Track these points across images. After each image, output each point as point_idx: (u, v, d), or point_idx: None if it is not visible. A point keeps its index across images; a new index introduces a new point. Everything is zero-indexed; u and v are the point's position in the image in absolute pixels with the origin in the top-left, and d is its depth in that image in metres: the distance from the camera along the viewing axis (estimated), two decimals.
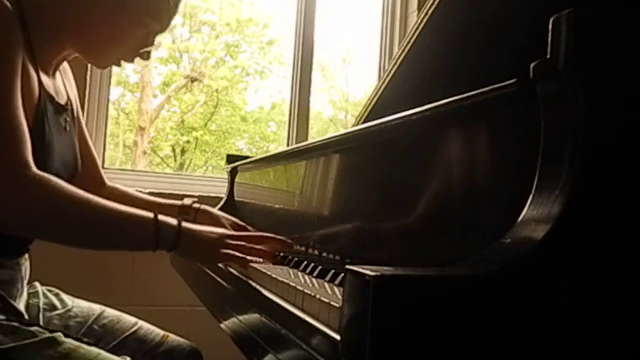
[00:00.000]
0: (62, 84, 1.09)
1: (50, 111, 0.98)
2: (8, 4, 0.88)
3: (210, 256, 0.95)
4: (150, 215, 0.89)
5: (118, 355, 0.93)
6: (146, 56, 1.07)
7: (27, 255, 1.03)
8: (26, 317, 0.98)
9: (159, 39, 1.08)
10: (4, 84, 0.85)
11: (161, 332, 1.18)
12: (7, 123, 0.83)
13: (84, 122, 1.23)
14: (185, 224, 0.92)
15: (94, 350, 0.89)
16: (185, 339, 1.21)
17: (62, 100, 1.06)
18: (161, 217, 0.90)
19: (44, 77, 0.99)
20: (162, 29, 1.06)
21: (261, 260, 0.92)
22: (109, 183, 1.29)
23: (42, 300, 1.09)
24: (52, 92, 1.01)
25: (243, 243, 0.93)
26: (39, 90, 0.95)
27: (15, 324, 0.87)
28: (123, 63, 1.08)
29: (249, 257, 0.90)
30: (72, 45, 1.03)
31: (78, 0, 0.99)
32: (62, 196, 0.84)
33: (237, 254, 0.91)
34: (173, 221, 0.91)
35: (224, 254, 0.91)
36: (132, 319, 1.17)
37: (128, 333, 1.13)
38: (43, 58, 0.98)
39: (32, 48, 0.94)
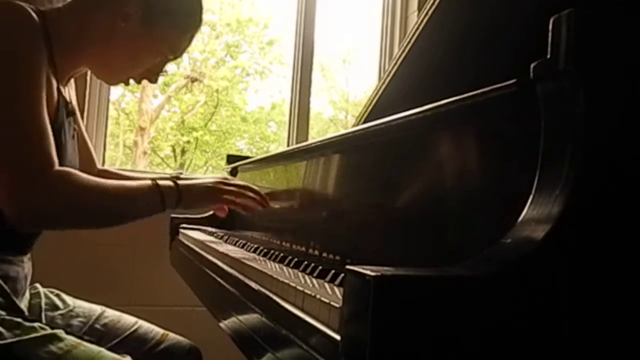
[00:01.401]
0: (68, 89, 1.11)
1: (65, 117, 1.02)
2: (35, 16, 0.91)
3: (212, 199, 1.08)
4: (150, 183, 0.98)
5: (118, 353, 0.93)
6: (154, 80, 1.12)
7: (29, 255, 1.03)
8: (26, 313, 0.99)
9: (168, 65, 1.13)
10: (33, 92, 0.89)
11: (160, 331, 1.19)
12: (36, 127, 0.87)
13: (80, 121, 1.26)
14: (180, 182, 1.01)
15: (95, 347, 0.91)
16: (184, 338, 1.22)
17: (71, 106, 1.09)
18: (160, 182, 0.99)
19: (60, 86, 1.02)
20: (175, 58, 1.11)
21: (252, 204, 1.08)
22: (99, 166, 1.34)
23: (43, 300, 1.10)
24: (67, 99, 1.06)
25: (234, 188, 1.08)
26: (57, 98, 0.99)
27: (18, 320, 0.88)
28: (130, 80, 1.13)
29: (239, 201, 1.06)
30: (88, 62, 1.07)
31: (101, 22, 1.02)
32: (82, 186, 0.90)
33: (234, 198, 1.07)
34: (170, 183, 1.00)
35: (223, 197, 1.06)
36: (132, 319, 1.19)
37: (128, 332, 1.15)
38: (61, 69, 1.01)
39: (54, 60, 0.97)
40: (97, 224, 1.01)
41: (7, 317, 0.88)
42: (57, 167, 0.88)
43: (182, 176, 1.15)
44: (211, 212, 1.57)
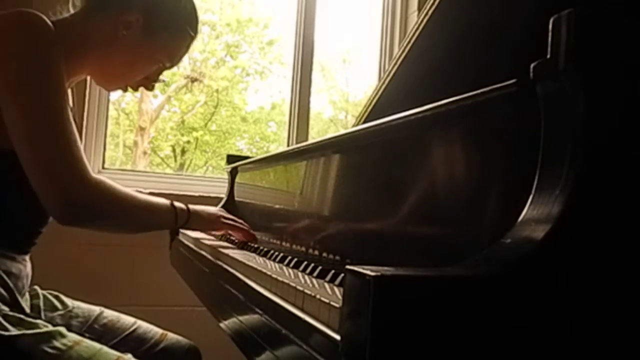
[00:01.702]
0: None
1: None
2: (52, 25, 0.94)
3: (213, 226, 1.21)
4: (168, 202, 1.12)
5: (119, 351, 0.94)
6: (151, 87, 1.17)
7: (30, 255, 1.04)
8: (28, 311, 1.00)
9: (164, 75, 1.18)
10: (63, 102, 0.93)
11: (159, 330, 1.20)
12: (73, 137, 0.93)
13: None
14: (192, 207, 1.16)
15: (96, 344, 0.92)
16: (183, 337, 1.23)
17: (73, 112, 1.10)
18: (176, 204, 1.13)
19: None
20: (172, 66, 1.16)
21: (240, 236, 1.23)
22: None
23: (42, 301, 1.10)
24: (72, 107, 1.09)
25: (231, 222, 1.22)
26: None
27: (21, 316, 0.90)
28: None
29: (232, 231, 1.21)
30: (88, 69, 1.11)
31: (102, 30, 1.05)
32: (116, 196, 0.99)
33: (234, 224, 1.21)
34: (183, 206, 1.15)
35: (224, 224, 1.20)
36: (131, 319, 1.19)
37: (127, 332, 1.15)
38: (66, 76, 1.02)
39: None
40: (122, 229, 1.13)
41: (11, 313, 0.89)
42: (94, 175, 0.95)
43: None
44: None
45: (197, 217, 1.17)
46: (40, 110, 0.91)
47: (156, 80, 1.16)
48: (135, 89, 1.15)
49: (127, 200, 1.01)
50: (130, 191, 1.04)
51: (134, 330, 1.17)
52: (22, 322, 0.88)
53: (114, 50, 1.06)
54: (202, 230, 1.26)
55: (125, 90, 1.15)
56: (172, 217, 1.11)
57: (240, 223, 1.24)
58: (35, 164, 0.91)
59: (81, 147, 0.95)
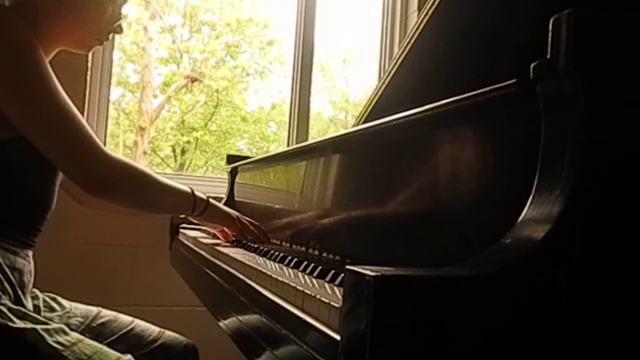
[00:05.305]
0: None
1: None
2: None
3: (231, 222, 1.21)
4: (188, 189, 1.16)
5: (116, 350, 0.95)
6: (119, 29, 1.15)
7: (32, 253, 1.04)
8: (29, 307, 1.01)
9: (125, 10, 1.16)
10: (54, 83, 0.95)
11: (157, 329, 1.21)
12: (75, 116, 0.96)
13: None
14: (212, 200, 1.20)
15: (97, 344, 0.94)
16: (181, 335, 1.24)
17: None
18: (196, 192, 1.17)
19: None
20: (125, 1, 1.14)
21: (254, 238, 1.21)
22: None
23: (41, 303, 1.11)
24: None
25: (247, 224, 1.22)
26: None
27: (24, 310, 0.91)
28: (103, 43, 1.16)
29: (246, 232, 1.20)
30: (56, 40, 1.08)
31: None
32: (133, 170, 1.04)
33: (251, 227, 1.20)
34: (204, 196, 1.19)
35: (242, 223, 1.20)
36: (129, 318, 1.21)
37: (125, 330, 1.17)
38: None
39: None
40: (142, 205, 1.14)
41: (15, 307, 0.90)
42: (109, 151, 0.99)
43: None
44: None
45: (216, 209, 1.19)
46: (39, 99, 0.94)
47: (119, 20, 1.14)
48: (107, 38, 1.13)
49: (145, 176, 1.07)
50: (150, 171, 1.08)
51: (132, 329, 1.17)
52: (27, 316, 0.89)
53: (66, 11, 1.06)
54: (218, 224, 1.26)
55: (100, 43, 1.13)
56: (190, 203, 1.15)
57: (257, 226, 1.24)
58: (54, 149, 0.95)
59: (85, 123, 0.99)
